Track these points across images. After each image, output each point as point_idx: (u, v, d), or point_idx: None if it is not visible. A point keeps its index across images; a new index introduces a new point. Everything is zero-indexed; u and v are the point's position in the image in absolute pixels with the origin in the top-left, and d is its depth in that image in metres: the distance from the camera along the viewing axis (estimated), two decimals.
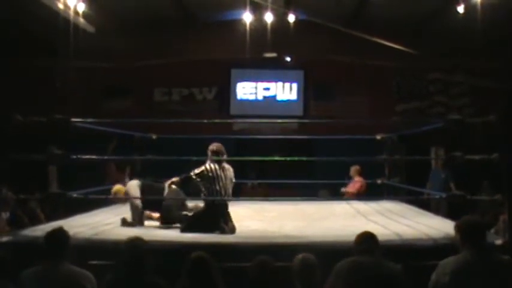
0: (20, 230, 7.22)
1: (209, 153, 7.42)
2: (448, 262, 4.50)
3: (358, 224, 7.68)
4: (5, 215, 9.64)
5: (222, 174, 7.34)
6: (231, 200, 7.50)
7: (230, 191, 7.43)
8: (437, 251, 5.56)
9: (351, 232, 6.69)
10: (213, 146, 7.48)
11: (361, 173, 11.68)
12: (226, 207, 7.30)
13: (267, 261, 4.51)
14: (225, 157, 7.49)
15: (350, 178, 11.75)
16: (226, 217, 7.22)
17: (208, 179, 7.21)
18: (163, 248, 5.84)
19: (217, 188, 7.23)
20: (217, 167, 7.32)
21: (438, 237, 6.32)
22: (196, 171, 7.26)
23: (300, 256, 4.57)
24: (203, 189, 7.28)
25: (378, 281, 4.46)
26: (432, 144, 14.00)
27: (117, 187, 8.18)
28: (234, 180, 7.50)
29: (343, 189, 11.59)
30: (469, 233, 4.56)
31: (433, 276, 4.51)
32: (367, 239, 4.73)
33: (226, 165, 7.47)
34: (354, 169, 11.73)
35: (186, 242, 6.27)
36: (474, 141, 10.17)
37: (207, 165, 7.27)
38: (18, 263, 4.92)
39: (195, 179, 7.27)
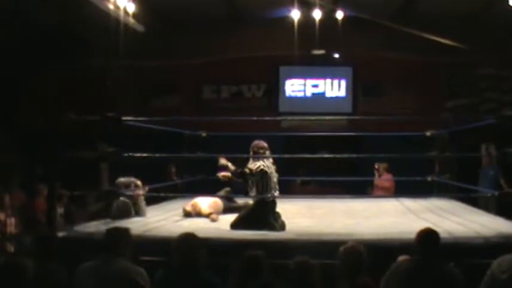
0: (74, 226, 7.36)
1: (258, 150, 7.44)
2: (505, 260, 4.45)
3: (409, 221, 7.65)
4: (60, 211, 9.85)
5: (274, 171, 7.41)
6: (279, 198, 7.53)
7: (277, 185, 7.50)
8: (489, 249, 5.50)
9: (401, 229, 6.70)
10: (261, 143, 7.51)
11: (389, 170, 11.68)
12: (275, 203, 7.35)
13: (306, 261, 4.50)
14: (268, 153, 7.54)
15: (380, 175, 11.78)
16: (276, 214, 7.27)
17: (264, 175, 7.26)
18: (213, 244, 5.88)
19: (272, 184, 7.29)
20: (269, 163, 7.38)
21: (490, 236, 6.24)
22: (254, 167, 7.26)
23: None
24: (254, 185, 7.30)
25: (436, 285, 4.42)
26: (483, 141, 13.78)
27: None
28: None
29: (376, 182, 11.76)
30: None
31: (488, 273, 4.47)
32: (429, 238, 4.68)
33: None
34: (382, 166, 11.72)
35: (237, 239, 6.32)
36: None
37: (265, 166, 7.31)
38: (73, 258, 5.05)
39: (250, 174, 7.28)
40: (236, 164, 7.66)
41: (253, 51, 14.99)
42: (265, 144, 7.51)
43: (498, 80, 15.01)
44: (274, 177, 7.41)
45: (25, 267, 4.29)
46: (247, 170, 7.26)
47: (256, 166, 7.25)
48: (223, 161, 7.75)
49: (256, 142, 7.52)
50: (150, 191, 8.69)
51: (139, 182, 8.34)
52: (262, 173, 7.23)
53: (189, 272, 4.44)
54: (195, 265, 4.47)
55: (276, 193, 7.41)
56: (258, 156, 7.38)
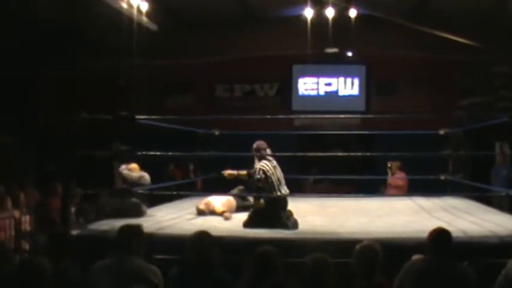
0: (88, 224, 7.38)
1: (260, 151, 7.47)
2: None
3: (422, 220, 7.61)
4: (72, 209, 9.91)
5: (275, 169, 7.41)
6: (292, 196, 7.53)
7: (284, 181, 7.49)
8: (504, 248, 5.47)
9: (415, 228, 6.67)
10: (258, 144, 7.53)
11: (402, 169, 11.66)
12: (286, 201, 7.35)
13: (324, 258, 4.49)
14: (268, 151, 7.56)
15: (393, 174, 11.75)
16: (287, 212, 7.26)
17: (266, 173, 7.27)
18: (226, 243, 5.88)
19: (276, 181, 7.28)
20: (268, 162, 7.38)
21: (505, 235, 6.19)
22: (258, 175, 7.26)
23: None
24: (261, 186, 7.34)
25: (448, 285, 4.40)
26: (497, 140, 13.69)
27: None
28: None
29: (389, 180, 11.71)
30: None
31: (503, 273, 4.45)
32: (442, 237, 4.66)
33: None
34: (395, 165, 11.69)
35: (250, 237, 6.32)
36: None
37: (263, 164, 7.32)
38: (86, 256, 5.07)
39: (261, 181, 7.28)
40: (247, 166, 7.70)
41: (266, 49, 14.98)
42: (262, 144, 7.54)
43: None
44: (278, 173, 7.41)
45: (43, 267, 4.31)
46: (260, 184, 7.28)
47: (258, 170, 7.28)
48: (228, 173, 7.79)
49: (254, 145, 7.56)
50: (163, 189, 8.71)
51: (133, 165, 8.41)
52: (264, 172, 7.25)
53: (202, 270, 4.45)
54: (208, 263, 4.48)
55: (284, 189, 7.41)
56: (258, 154, 7.43)
